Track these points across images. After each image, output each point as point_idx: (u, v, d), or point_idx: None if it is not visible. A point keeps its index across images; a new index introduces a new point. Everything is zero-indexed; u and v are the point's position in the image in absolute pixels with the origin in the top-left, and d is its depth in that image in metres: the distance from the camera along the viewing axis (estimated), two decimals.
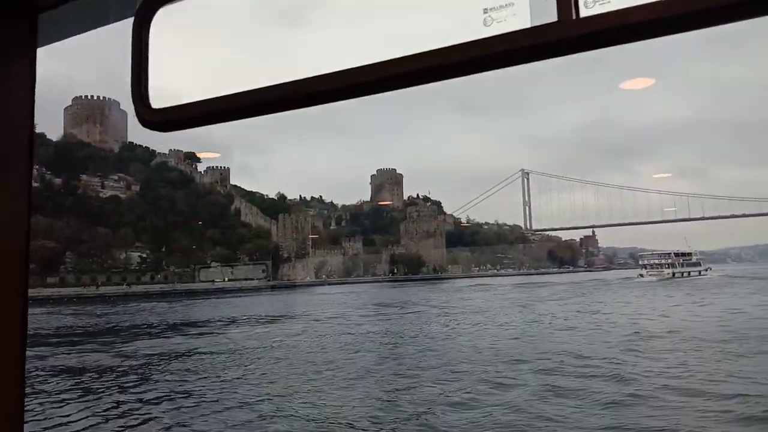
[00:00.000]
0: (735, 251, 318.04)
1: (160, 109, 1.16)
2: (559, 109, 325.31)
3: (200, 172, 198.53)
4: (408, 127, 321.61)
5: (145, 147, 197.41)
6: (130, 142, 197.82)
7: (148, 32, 1.18)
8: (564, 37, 0.86)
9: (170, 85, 1.16)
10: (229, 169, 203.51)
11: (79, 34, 1.62)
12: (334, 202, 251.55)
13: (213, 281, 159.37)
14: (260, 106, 1.09)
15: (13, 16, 1.41)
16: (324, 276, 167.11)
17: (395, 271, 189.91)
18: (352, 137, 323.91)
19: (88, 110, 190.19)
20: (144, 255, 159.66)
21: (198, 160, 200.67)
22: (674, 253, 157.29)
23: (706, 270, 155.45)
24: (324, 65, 1.01)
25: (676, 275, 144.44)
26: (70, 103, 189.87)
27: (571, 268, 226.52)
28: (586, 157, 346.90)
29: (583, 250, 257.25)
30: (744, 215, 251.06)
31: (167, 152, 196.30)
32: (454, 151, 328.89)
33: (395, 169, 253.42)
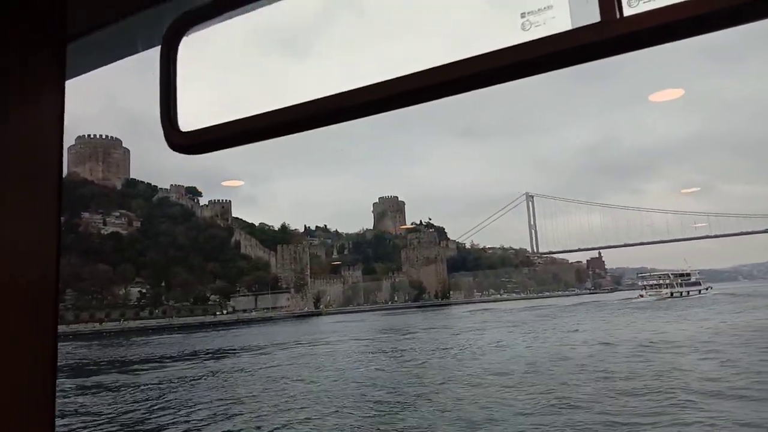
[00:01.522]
0: (747, 268, 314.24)
1: (188, 132, 1.18)
2: (568, 129, 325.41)
3: (202, 206, 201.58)
4: (413, 154, 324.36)
5: (147, 183, 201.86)
6: (132, 179, 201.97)
7: (176, 57, 1.20)
8: (608, 37, 0.83)
9: (198, 109, 1.18)
10: (230, 201, 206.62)
11: (106, 64, 1.64)
12: (339, 230, 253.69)
13: (215, 314, 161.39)
14: (286, 125, 1.10)
15: (43, 45, 1.42)
16: (322, 306, 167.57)
17: (396, 298, 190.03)
18: (357, 165, 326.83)
19: (91, 149, 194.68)
20: (144, 290, 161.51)
21: (199, 194, 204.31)
22: (672, 274, 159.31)
23: (706, 289, 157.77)
24: (349, 81, 1.00)
25: (674, 295, 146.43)
26: (73, 142, 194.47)
27: (576, 291, 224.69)
28: (592, 178, 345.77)
29: (590, 272, 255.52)
30: (752, 232, 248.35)
31: (168, 187, 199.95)
32: (459, 176, 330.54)
33: (397, 197, 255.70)
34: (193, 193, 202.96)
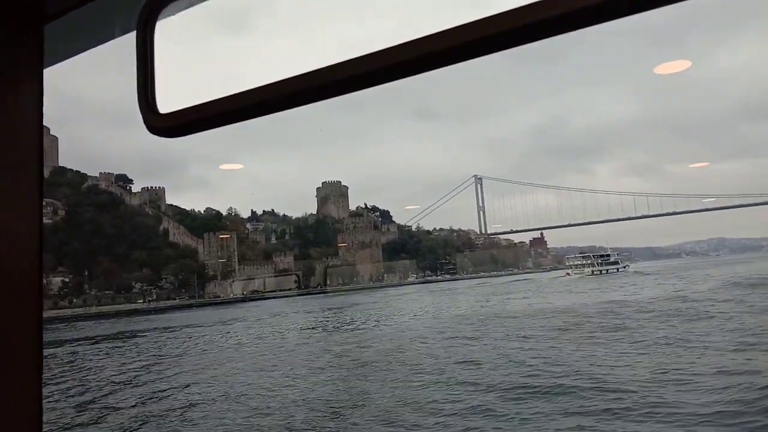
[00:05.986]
0: (690, 245, 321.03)
1: (167, 114, 1.14)
2: (518, 111, 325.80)
3: (133, 193, 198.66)
4: (363, 136, 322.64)
5: (76, 171, 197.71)
6: (60, 167, 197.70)
7: (153, 36, 1.16)
8: (563, 12, 0.75)
9: (175, 92, 1.15)
10: (164, 188, 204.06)
11: (83, 51, 1.61)
12: (287, 215, 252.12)
13: (147, 302, 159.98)
14: (264, 104, 1.06)
15: (20, 27, 1.40)
16: (246, 292, 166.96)
17: (328, 282, 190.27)
18: (305, 147, 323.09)
19: None
20: (66, 279, 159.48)
21: (130, 181, 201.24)
22: (593, 255, 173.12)
23: (624, 267, 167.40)
24: (326, 58, 0.97)
25: (594, 273, 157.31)
26: None
27: (513, 270, 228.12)
28: (541, 159, 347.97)
29: (532, 252, 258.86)
30: (693, 211, 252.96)
31: (98, 175, 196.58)
32: (410, 159, 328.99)
33: (340, 181, 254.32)
34: (124, 180, 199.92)
